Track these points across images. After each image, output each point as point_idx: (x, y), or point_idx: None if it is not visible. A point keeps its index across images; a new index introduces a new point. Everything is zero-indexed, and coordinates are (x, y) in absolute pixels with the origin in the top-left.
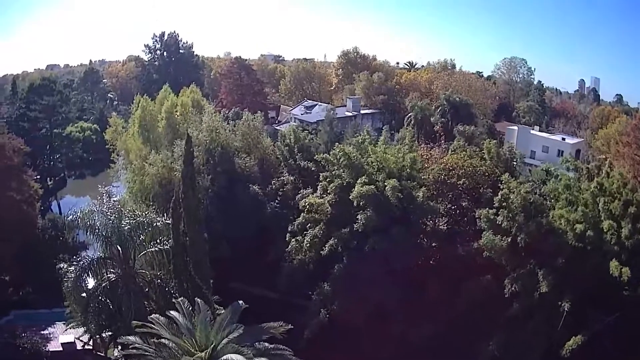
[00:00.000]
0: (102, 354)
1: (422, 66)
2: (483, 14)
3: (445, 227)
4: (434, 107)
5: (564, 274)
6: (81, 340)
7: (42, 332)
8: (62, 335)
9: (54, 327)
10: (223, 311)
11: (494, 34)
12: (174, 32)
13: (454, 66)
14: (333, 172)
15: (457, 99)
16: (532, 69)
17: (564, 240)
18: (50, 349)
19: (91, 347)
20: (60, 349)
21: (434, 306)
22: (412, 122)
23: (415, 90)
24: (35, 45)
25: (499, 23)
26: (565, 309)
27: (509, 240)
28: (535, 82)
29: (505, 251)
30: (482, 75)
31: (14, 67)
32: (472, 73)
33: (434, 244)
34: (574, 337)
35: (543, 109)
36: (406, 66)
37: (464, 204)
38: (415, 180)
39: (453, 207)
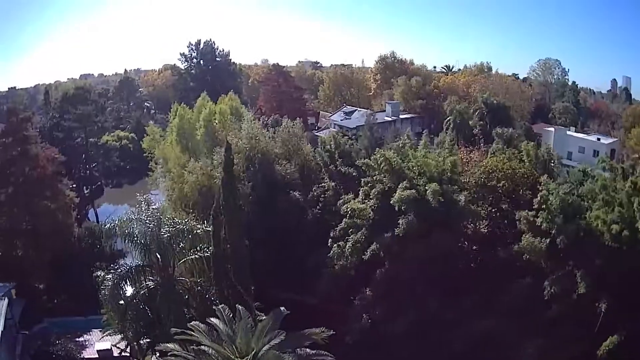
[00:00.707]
0: None
1: (459, 70)
2: (516, 15)
3: (486, 230)
4: (472, 111)
5: (601, 275)
6: (118, 348)
7: (77, 339)
8: (98, 342)
9: (90, 335)
10: (264, 318)
11: (527, 35)
12: (210, 40)
13: (490, 69)
14: (374, 178)
15: (495, 101)
16: (566, 69)
17: (601, 241)
18: (86, 356)
19: (128, 355)
20: (96, 356)
21: (475, 310)
22: (451, 125)
23: (453, 94)
24: (68, 55)
25: (532, 24)
26: (602, 309)
27: (548, 242)
28: (569, 83)
29: (544, 253)
30: (518, 77)
31: (46, 77)
32: (509, 75)
33: (474, 248)
34: (610, 336)
35: (578, 109)
36: (443, 70)
37: (504, 206)
38: (456, 184)
39: (493, 210)
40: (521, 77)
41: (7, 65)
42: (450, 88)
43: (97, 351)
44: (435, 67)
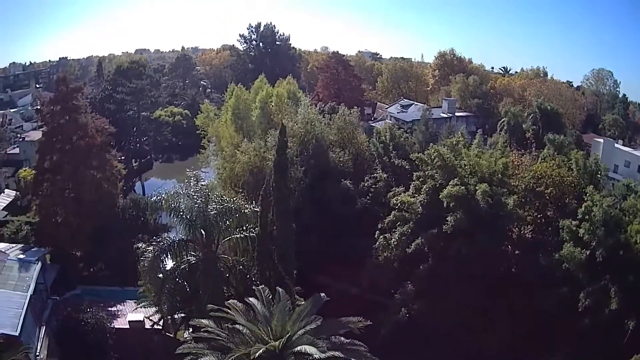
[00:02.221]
0: (171, 335)
1: (516, 72)
2: (573, 23)
3: (530, 236)
4: (526, 114)
5: (634, 292)
6: (150, 320)
7: (110, 309)
8: (130, 313)
9: (124, 305)
10: (303, 302)
11: (583, 44)
12: (270, 23)
13: (545, 74)
14: (426, 173)
15: (549, 107)
16: (618, 82)
17: (637, 257)
18: (117, 326)
19: (160, 328)
20: (127, 326)
21: (510, 314)
22: (505, 127)
23: (508, 96)
24: (124, 29)
25: (588, 33)
26: (630, 327)
27: (588, 253)
28: (620, 95)
29: (583, 264)
30: (572, 85)
31: (100, 49)
32: (563, 82)
33: (517, 252)
34: (635, 355)
35: (626, 123)
36: (500, 71)
37: (549, 213)
38: (505, 186)
39: (539, 216)
40: (575, 85)
41: (58, 35)
42: (506, 90)
43: (129, 322)
44: (492, 67)
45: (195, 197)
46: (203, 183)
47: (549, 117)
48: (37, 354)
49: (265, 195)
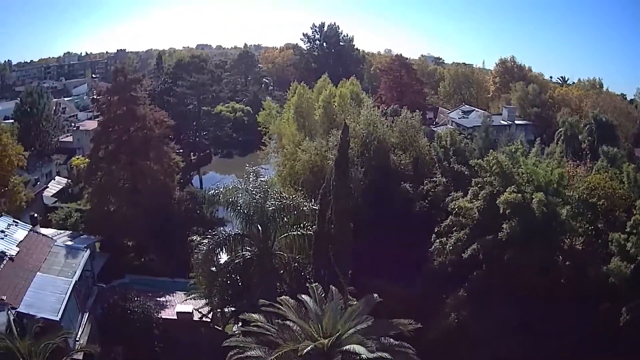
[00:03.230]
0: (219, 328)
1: (573, 82)
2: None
3: (580, 247)
4: (582, 125)
5: None
6: (199, 312)
7: (158, 299)
8: (179, 304)
9: (173, 296)
10: (355, 302)
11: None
12: (334, 23)
13: (601, 85)
14: (484, 179)
15: (604, 119)
16: None
17: None
18: (164, 316)
19: (209, 320)
20: (175, 317)
21: (558, 325)
22: (562, 137)
23: (566, 106)
24: (184, 24)
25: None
26: None
27: (633, 267)
28: None
29: (628, 279)
30: (626, 98)
31: (159, 43)
32: (617, 95)
33: (567, 263)
34: None
35: None
36: (559, 81)
37: (599, 225)
38: (560, 196)
39: (589, 228)
40: (628, 97)
41: (115, 27)
42: (564, 100)
43: (177, 313)
44: (551, 77)
45: (254, 192)
46: (262, 179)
47: (604, 129)
48: (77, 339)
49: (324, 194)
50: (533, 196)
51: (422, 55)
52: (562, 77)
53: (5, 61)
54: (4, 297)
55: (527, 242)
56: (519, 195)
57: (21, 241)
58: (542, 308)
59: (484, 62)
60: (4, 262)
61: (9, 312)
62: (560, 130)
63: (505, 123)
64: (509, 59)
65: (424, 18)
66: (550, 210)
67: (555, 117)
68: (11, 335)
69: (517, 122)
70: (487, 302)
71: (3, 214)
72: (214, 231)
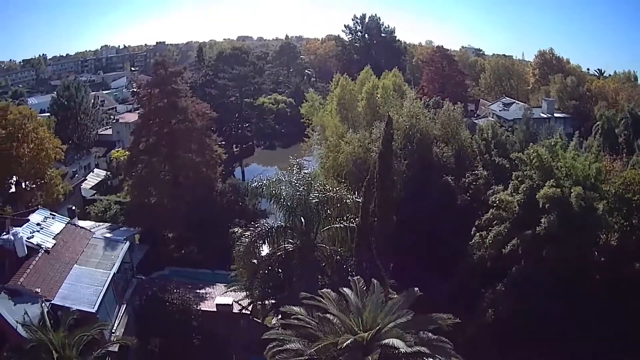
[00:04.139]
0: (259, 321)
1: (609, 75)
2: None
3: (615, 243)
4: (618, 119)
5: None
6: (239, 305)
7: (198, 290)
8: (219, 296)
9: (213, 288)
10: (396, 296)
11: None
12: (375, 15)
13: (636, 78)
14: (525, 172)
15: (639, 113)
16: None
17: None
18: (203, 308)
19: (248, 313)
20: (214, 309)
21: (594, 322)
22: (600, 131)
23: (603, 99)
24: (224, 16)
25: None
26: None
27: None
28: None
29: None
30: None
31: (199, 35)
32: None
33: (602, 259)
34: None
35: None
36: (595, 73)
37: (634, 221)
38: (597, 191)
39: (625, 223)
40: None
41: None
42: (601, 93)
43: (217, 305)
44: (588, 69)
45: (297, 184)
46: (306, 171)
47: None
48: (113, 331)
49: (368, 187)
50: (572, 190)
51: (462, 47)
52: (598, 69)
53: (39, 55)
54: (38, 290)
55: (565, 237)
56: (558, 190)
57: (58, 234)
58: (579, 304)
59: (523, 54)
60: (40, 254)
61: (43, 304)
62: (597, 123)
63: (545, 116)
64: (547, 51)
65: (463, 10)
66: (587, 205)
67: (592, 110)
68: (44, 327)
69: (556, 114)
70: (526, 298)
71: (40, 206)
72: (256, 223)
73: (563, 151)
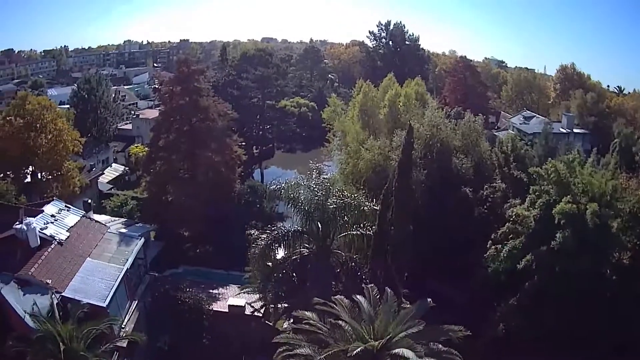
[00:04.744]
0: (270, 324)
1: (629, 92)
2: None
3: (627, 262)
4: (636, 137)
5: None
6: (252, 307)
7: (211, 290)
8: (232, 298)
9: (226, 289)
10: (409, 306)
11: None
12: (400, 22)
13: None
14: (542, 187)
15: None
16: None
17: None
18: (215, 309)
19: (260, 315)
20: (226, 310)
21: (605, 338)
22: (617, 149)
23: (622, 116)
24: (249, 16)
25: None
26: None
27: None
28: None
29: None
30: None
31: (223, 35)
32: None
33: (614, 277)
34: None
35: None
36: (615, 90)
37: None
38: (612, 208)
39: (638, 243)
40: None
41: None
42: (620, 110)
43: (229, 305)
44: (608, 85)
45: (316, 189)
46: (325, 176)
47: None
48: (123, 326)
49: (386, 195)
50: (587, 207)
51: (486, 58)
52: (618, 86)
53: (61, 47)
54: (49, 281)
55: (579, 253)
56: (574, 206)
57: (72, 226)
58: (592, 322)
59: (545, 68)
60: (52, 246)
61: (53, 295)
62: (615, 141)
63: (564, 131)
64: (569, 66)
65: (486, 22)
66: (602, 222)
67: (611, 127)
68: (52, 318)
69: (575, 130)
70: (537, 314)
71: (55, 198)
72: (272, 226)
73: (581, 167)
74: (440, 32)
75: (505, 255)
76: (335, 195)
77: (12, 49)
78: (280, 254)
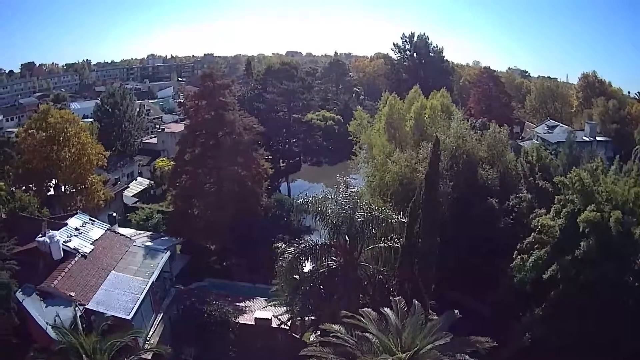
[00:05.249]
0: (297, 336)
1: None
2: None
3: None
4: None
5: None
6: (278, 319)
7: (238, 303)
8: (259, 310)
9: (253, 302)
10: (436, 317)
11: None
12: (424, 34)
13: None
14: (567, 197)
15: None
16: None
17: None
18: (241, 321)
19: (287, 328)
20: (253, 323)
21: (623, 348)
22: (639, 155)
23: None
24: (273, 30)
25: None
26: None
27: None
28: None
29: None
30: None
31: (248, 49)
32: None
33: (637, 284)
34: None
35: None
36: (636, 96)
37: None
38: (635, 216)
39: None
40: None
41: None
42: None
43: (256, 318)
44: (629, 92)
45: (343, 202)
46: (352, 189)
47: None
48: (148, 339)
49: (414, 207)
50: (611, 214)
51: (509, 68)
52: (638, 92)
53: (84, 60)
54: (72, 294)
55: (602, 261)
56: (598, 214)
57: (97, 239)
58: (614, 330)
59: (567, 76)
60: (76, 258)
61: (76, 308)
62: (637, 147)
63: (587, 139)
64: (590, 74)
65: (507, 32)
66: (625, 229)
67: (633, 133)
68: (75, 330)
69: (598, 138)
70: (562, 324)
71: (79, 211)
72: (300, 239)
73: (604, 175)
74: (463, 43)
75: (531, 265)
76: (363, 209)
77: (33, 62)
78: (308, 267)
